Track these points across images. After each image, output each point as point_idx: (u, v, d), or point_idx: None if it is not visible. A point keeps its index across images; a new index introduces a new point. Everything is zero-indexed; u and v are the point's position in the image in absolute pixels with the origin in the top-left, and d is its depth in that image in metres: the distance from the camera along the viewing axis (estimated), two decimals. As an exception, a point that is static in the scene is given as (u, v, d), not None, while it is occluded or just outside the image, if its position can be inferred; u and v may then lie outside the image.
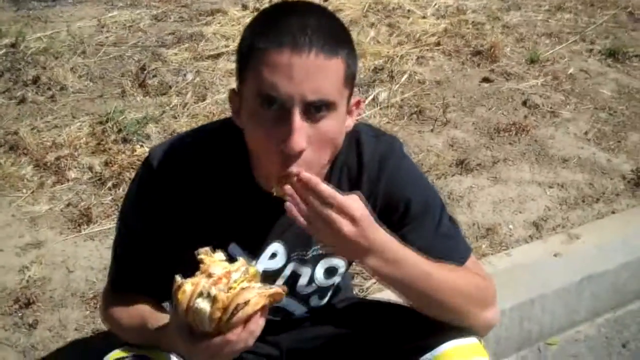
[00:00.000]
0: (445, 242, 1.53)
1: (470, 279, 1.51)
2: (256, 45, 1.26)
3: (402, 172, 1.52)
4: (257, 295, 1.19)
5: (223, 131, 1.47)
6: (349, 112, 1.38)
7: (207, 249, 1.26)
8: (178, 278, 1.22)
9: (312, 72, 1.24)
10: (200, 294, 1.19)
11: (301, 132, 1.25)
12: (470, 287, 1.49)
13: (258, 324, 1.22)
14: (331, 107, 1.28)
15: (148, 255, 1.50)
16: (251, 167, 1.43)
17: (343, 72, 1.29)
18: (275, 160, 1.28)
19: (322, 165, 1.35)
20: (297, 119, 1.24)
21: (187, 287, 1.20)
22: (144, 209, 1.47)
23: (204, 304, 1.19)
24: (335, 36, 1.29)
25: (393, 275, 1.37)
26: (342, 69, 1.28)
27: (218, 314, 1.18)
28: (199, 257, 1.24)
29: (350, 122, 1.40)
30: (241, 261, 1.25)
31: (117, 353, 1.45)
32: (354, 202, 1.26)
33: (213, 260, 1.24)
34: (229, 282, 1.20)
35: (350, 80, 1.32)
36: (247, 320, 1.20)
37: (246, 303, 1.18)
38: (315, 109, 1.26)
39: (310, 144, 1.27)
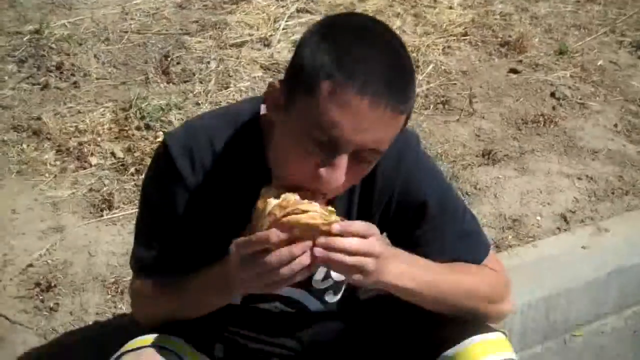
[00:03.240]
0: (463, 241, 1.53)
1: (483, 278, 1.51)
2: (335, 76, 1.18)
3: (420, 167, 1.50)
4: (316, 211, 1.20)
5: (239, 116, 1.45)
6: None
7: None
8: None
9: (377, 124, 1.21)
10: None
11: (343, 173, 1.24)
12: (483, 286, 1.50)
13: (300, 251, 1.19)
14: (378, 154, 1.28)
15: (169, 231, 1.48)
16: (266, 157, 1.40)
17: (402, 126, 1.28)
18: (304, 177, 1.26)
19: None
20: (344, 162, 1.23)
21: (272, 200, 1.24)
22: (163, 192, 1.45)
23: (272, 200, 1.23)
24: (410, 85, 1.27)
25: (409, 287, 1.37)
26: (402, 123, 1.27)
27: (277, 211, 1.20)
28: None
29: None
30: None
31: (137, 341, 1.43)
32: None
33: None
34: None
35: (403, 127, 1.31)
36: (293, 240, 1.19)
37: (303, 212, 1.19)
38: (367, 154, 1.25)
39: (347, 177, 1.27)
